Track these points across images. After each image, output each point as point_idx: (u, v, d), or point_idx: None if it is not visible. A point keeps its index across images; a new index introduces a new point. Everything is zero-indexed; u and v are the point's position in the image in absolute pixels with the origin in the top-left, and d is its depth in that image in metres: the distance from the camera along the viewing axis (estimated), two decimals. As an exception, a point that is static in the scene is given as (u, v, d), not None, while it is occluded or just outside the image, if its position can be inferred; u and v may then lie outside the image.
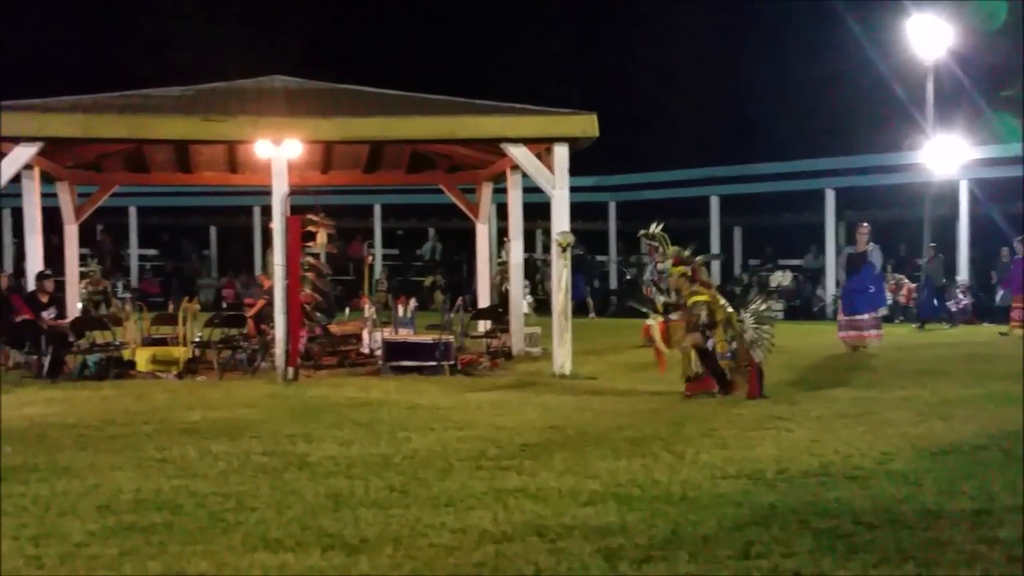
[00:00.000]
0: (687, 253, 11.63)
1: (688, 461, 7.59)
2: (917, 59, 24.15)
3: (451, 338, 14.16)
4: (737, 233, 31.67)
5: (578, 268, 19.00)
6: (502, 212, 19.79)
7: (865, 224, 17.26)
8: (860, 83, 30.11)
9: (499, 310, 16.84)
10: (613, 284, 31.57)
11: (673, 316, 11.54)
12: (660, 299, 14.17)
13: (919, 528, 5.78)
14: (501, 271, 18.84)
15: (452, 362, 13.70)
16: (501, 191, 18.16)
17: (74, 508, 6.20)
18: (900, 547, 5.43)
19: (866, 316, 16.22)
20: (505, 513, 6.10)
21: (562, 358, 13.43)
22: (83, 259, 19.59)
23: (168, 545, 5.43)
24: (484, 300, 17.96)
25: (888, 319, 19.16)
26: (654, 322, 11.51)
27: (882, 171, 27.44)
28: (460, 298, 17.31)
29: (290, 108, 14.11)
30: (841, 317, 16.70)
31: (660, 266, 17.50)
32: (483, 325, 16.78)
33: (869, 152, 27.47)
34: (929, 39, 23.52)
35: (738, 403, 10.51)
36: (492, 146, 14.60)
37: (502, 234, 19.28)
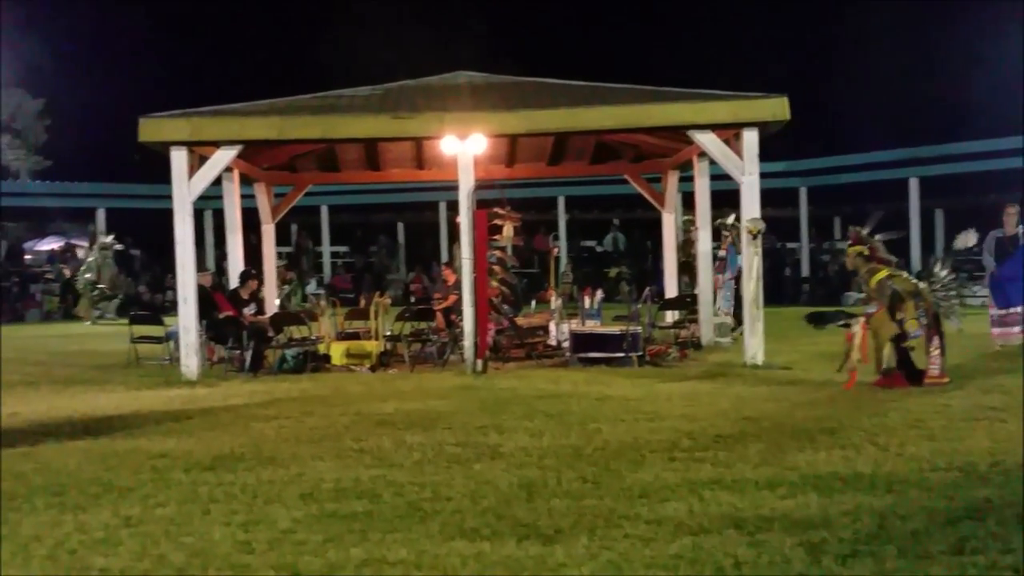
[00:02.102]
0: (865, 231, 11.15)
1: (893, 453, 7.27)
2: None
3: (639, 329, 14.03)
4: (939, 216, 30.36)
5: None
6: (688, 201, 19.51)
7: (1014, 204, 15.87)
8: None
9: (687, 300, 16.63)
10: (805, 272, 30.76)
11: (871, 309, 11.01)
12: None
13: None
14: (685, 240, 18.57)
15: (640, 353, 13.57)
16: (687, 179, 17.91)
17: (279, 496, 6.38)
18: None
19: (1019, 308, 14.10)
20: (701, 505, 5.97)
21: (754, 348, 13.13)
22: (279, 256, 20.28)
23: (369, 532, 5.53)
24: (672, 290, 17.75)
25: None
26: (858, 327, 10.95)
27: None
28: (647, 288, 17.13)
29: (475, 103, 14.23)
30: (993, 310, 14.43)
31: (720, 253, 16.95)
32: (671, 315, 16.59)
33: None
34: None
35: (945, 392, 10.04)
36: (678, 134, 14.38)
37: (688, 223, 18.98)
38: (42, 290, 31.36)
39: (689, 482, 6.51)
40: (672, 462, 7.17)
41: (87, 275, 26.35)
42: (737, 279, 16.82)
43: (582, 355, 13.59)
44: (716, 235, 17.48)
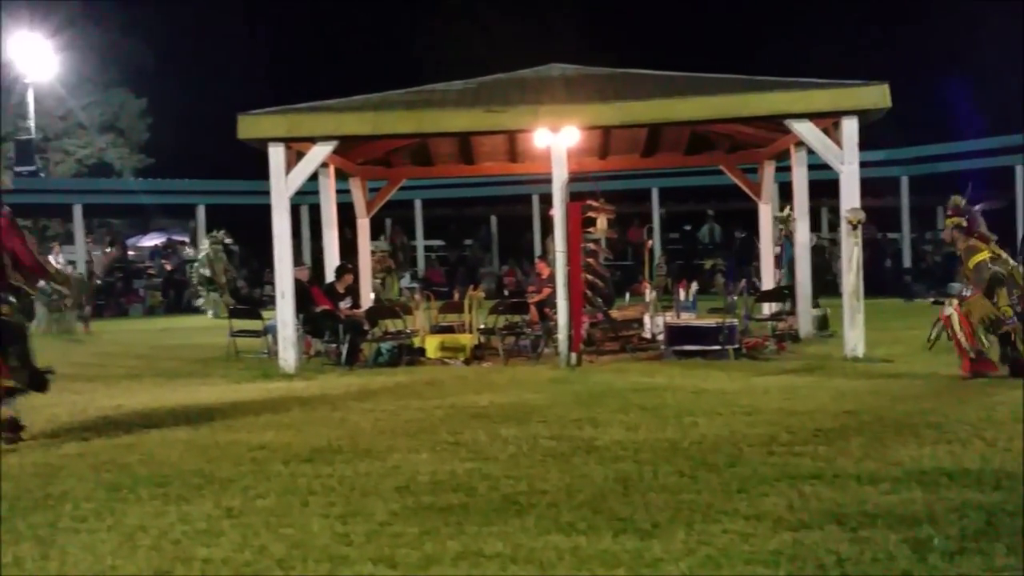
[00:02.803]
0: (963, 201, 10.77)
1: (1001, 448, 7.05)
2: None
3: (735, 321, 13.85)
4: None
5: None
6: (784, 191, 19.20)
7: None
8: None
9: (784, 291, 16.37)
10: (907, 263, 30.08)
11: (966, 292, 10.66)
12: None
13: None
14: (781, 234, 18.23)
15: (736, 346, 13.40)
16: (783, 169, 17.61)
17: (376, 488, 6.42)
18: None
19: None
20: (801, 500, 5.85)
21: (854, 340, 12.85)
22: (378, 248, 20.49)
23: (465, 525, 5.53)
24: (768, 282, 17.48)
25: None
26: (951, 309, 10.63)
27: None
28: (743, 280, 16.90)
29: (568, 95, 14.17)
30: None
31: (775, 250, 16.46)
32: (768, 307, 16.35)
33: None
34: None
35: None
36: (775, 123, 14.13)
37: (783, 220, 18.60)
38: (145, 285, 32.16)
39: (788, 477, 6.39)
40: (771, 456, 7.05)
41: (202, 270, 26.87)
42: (790, 271, 16.48)
43: (677, 348, 13.46)
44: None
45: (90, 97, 41.04)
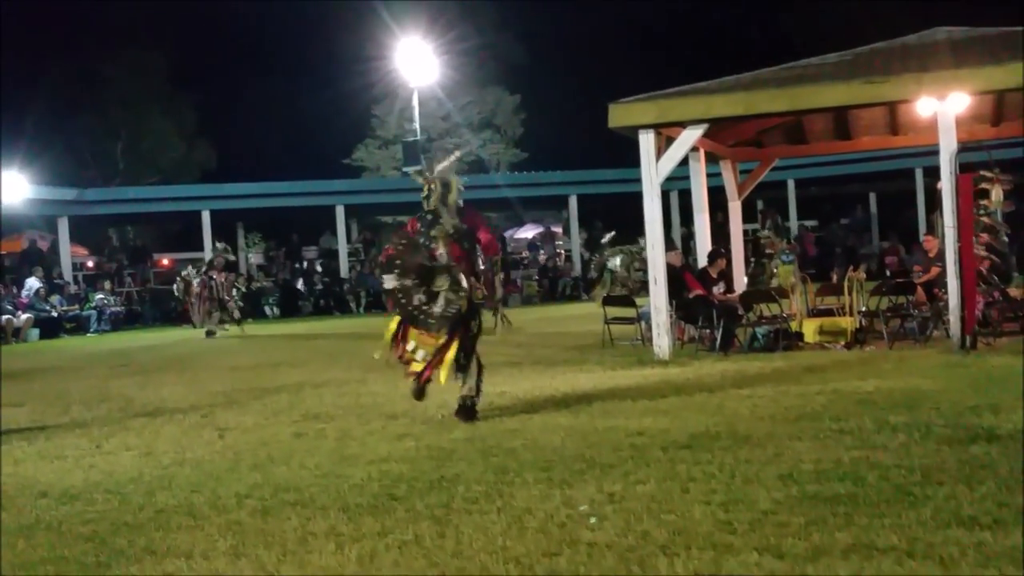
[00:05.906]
0: None
1: None
2: None
3: None
4: None
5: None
6: None
7: None
8: None
9: None
10: None
11: None
12: None
13: None
14: None
15: None
16: None
17: (757, 476, 6.25)
18: None
19: None
20: None
21: None
22: (747, 233, 20.14)
23: (854, 516, 5.26)
24: None
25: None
26: None
27: None
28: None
29: (956, 60, 13.18)
30: None
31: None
32: None
33: None
34: None
35: None
36: None
37: None
38: (522, 276, 33.47)
39: None
40: None
41: (617, 262, 27.52)
42: None
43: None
44: None
45: (468, 97, 43.32)
